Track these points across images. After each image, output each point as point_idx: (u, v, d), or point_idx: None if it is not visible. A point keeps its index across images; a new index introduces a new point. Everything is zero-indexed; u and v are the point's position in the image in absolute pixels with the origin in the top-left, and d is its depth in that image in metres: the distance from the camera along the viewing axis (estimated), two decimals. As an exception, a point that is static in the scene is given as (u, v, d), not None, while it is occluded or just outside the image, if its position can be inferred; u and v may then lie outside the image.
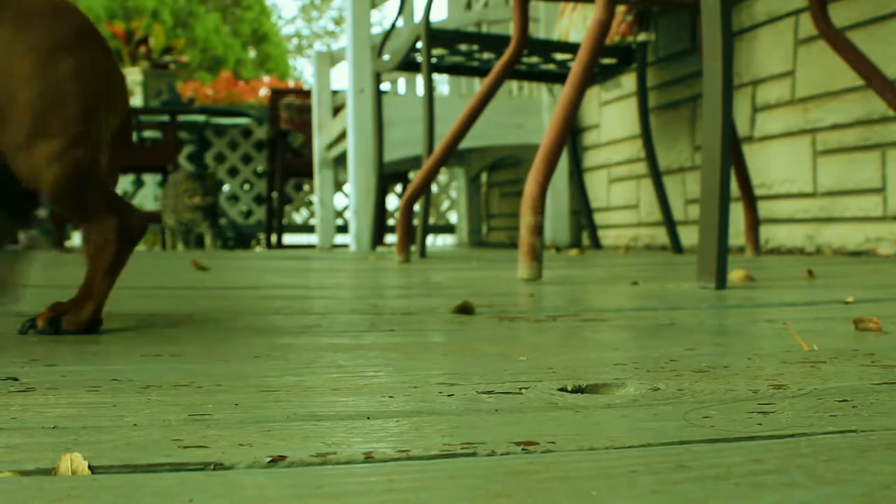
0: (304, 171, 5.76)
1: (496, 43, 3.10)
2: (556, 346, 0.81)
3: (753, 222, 2.60)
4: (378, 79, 3.69)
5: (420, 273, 2.02)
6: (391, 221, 6.15)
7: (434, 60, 3.14)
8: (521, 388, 0.59)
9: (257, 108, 6.73)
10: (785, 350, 0.77)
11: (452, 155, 2.53)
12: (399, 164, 4.07)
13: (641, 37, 3.12)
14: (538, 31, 4.10)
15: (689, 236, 3.21)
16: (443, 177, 6.78)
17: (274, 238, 6.09)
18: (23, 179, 0.87)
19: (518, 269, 1.70)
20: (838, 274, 1.78)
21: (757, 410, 0.52)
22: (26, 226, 0.99)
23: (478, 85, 4.08)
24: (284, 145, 5.75)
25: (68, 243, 5.60)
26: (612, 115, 3.85)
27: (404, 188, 5.95)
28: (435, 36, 2.96)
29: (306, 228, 6.81)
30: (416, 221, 3.24)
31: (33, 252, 1.02)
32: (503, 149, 4.37)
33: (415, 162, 4.03)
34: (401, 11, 3.51)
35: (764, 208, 2.84)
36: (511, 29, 2.87)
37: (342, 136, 4.24)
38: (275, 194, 5.97)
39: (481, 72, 3.32)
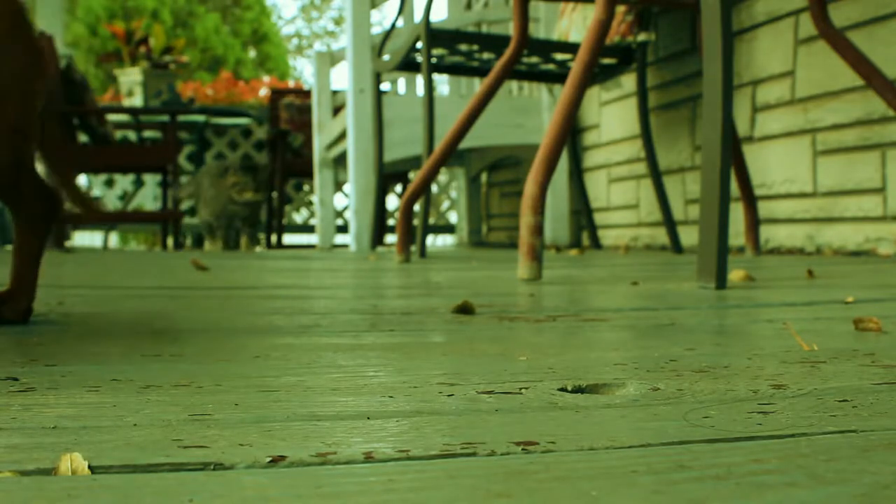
0: (304, 171, 5.76)
1: (496, 43, 3.10)
2: (556, 346, 0.81)
3: (753, 222, 2.60)
4: (378, 79, 3.69)
5: (420, 273, 2.02)
6: (391, 221, 6.15)
7: (434, 60, 3.14)
8: (521, 388, 0.59)
9: (257, 108, 6.73)
10: (785, 350, 0.77)
11: (452, 155, 2.53)
12: (399, 164, 4.06)
13: (641, 37, 3.12)
14: (538, 31, 4.10)
15: (689, 236, 3.21)
16: (443, 177, 6.78)
17: (274, 238, 6.09)
18: None
19: (518, 269, 1.70)
20: (838, 274, 1.78)
21: (757, 410, 0.52)
22: None
23: (478, 85, 4.08)
24: (284, 145, 5.75)
25: (68, 243, 5.60)
26: (612, 115, 3.85)
27: (404, 188, 5.95)
28: (435, 36, 2.96)
29: (306, 228, 6.81)
30: (416, 221, 3.24)
31: None
32: (503, 149, 4.37)
33: (415, 162, 4.03)
34: (401, 11, 3.51)
35: (764, 208, 2.84)
36: (511, 29, 2.87)
37: (342, 136, 4.24)
38: (275, 194, 5.97)
39: (481, 72, 3.32)
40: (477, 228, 5.38)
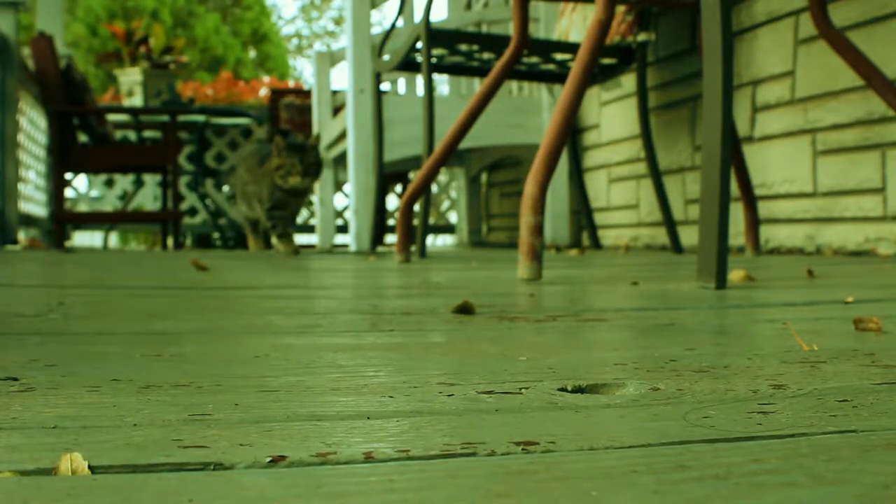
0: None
1: (496, 43, 3.10)
2: (556, 346, 0.81)
3: (753, 222, 2.60)
4: (378, 79, 3.69)
5: (420, 273, 2.02)
6: (391, 221, 6.14)
7: (434, 60, 3.14)
8: (521, 388, 0.59)
9: (257, 108, 6.73)
10: (785, 350, 0.77)
11: (452, 155, 2.52)
12: (399, 164, 4.06)
13: (641, 37, 3.12)
14: (538, 31, 4.10)
15: (689, 236, 3.21)
16: (443, 177, 6.78)
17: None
18: None
19: (518, 269, 1.70)
20: (838, 274, 1.78)
21: (757, 410, 0.52)
22: None
23: (478, 85, 4.08)
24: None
25: (68, 243, 5.60)
26: (612, 115, 3.85)
27: (404, 188, 5.95)
28: (435, 36, 2.95)
29: (306, 228, 6.81)
30: (416, 221, 3.24)
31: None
32: (503, 149, 4.37)
33: (415, 162, 4.03)
34: (401, 11, 3.51)
35: (764, 208, 2.84)
36: (511, 29, 2.87)
37: (342, 136, 4.24)
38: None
39: (481, 72, 3.32)
40: (477, 228, 5.38)
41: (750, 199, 2.60)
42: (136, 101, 5.60)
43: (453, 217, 6.69)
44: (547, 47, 3.14)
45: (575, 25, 3.33)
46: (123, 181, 6.72)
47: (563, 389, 0.60)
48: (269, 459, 0.41)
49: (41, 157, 5.66)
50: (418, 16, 3.13)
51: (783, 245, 2.81)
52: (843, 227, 2.56)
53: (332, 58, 4.74)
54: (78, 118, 4.67)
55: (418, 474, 0.39)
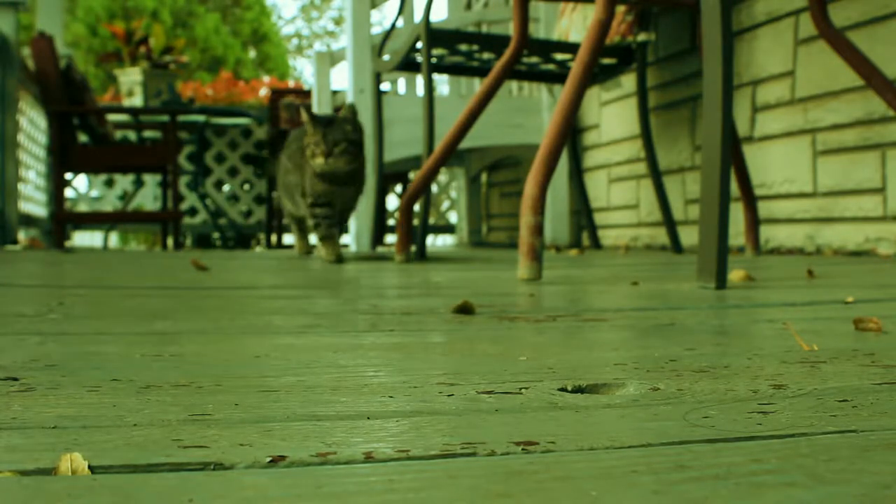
0: (305, 171, 5.74)
1: (496, 43, 3.10)
2: (556, 346, 0.81)
3: (753, 222, 2.60)
4: (378, 79, 3.69)
5: (420, 273, 2.02)
6: (391, 221, 6.14)
7: (434, 60, 3.14)
8: (521, 388, 0.59)
9: (257, 108, 6.73)
10: (785, 350, 0.77)
11: (452, 155, 2.52)
12: (399, 164, 4.06)
13: (641, 37, 3.11)
14: (538, 31, 4.10)
15: (689, 236, 3.21)
16: (443, 177, 6.78)
17: (274, 238, 6.09)
18: None
19: (518, 269, 1.70)
20: (838, 274, 1.78)
21: (757, 410, 0.52)
22: None
23: (478, 85, 4.08)
24: (284, 145, 5.73)
25: (68, 243, 5.60)
26: (612, 115, 3.85)
27: (404, 188, 5.95)
28: (435, 36, 2.95)
29: (305, 228, 6.80)
30: (416, 221, 3.24)
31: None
32: (503, 149, 4.37)
33: (415, 162, 4.03)
34: (401, 11, 3.51)
35: (764, 208, 2.84)
36: (511, 29, 2.87)
37: (342, 136, 4.24)
38: (275, 194, 5.96)
39: (481, 72, 3.32)
40: (477, 228, 5.37)
41: (750, 199, 2.60)
42: (136, 101, 5.60)
43: (453, 217, 6.69)
44: (547, 47, 3.14)
45: (575, 25, 3.33)
46: (123, 181, 6.72)
47: (563, 389, 0.60)
48: (269, 459, 0.41)
49: (41, 157, 5.66)
50: (418, 16, 3.13)
51: (783, 245, 2.81)
52: (843, 227, 2.56)
53: (332, 58, 4.74)
54: (78, 118, 4.67)
55: (418, 474, 0.39)
